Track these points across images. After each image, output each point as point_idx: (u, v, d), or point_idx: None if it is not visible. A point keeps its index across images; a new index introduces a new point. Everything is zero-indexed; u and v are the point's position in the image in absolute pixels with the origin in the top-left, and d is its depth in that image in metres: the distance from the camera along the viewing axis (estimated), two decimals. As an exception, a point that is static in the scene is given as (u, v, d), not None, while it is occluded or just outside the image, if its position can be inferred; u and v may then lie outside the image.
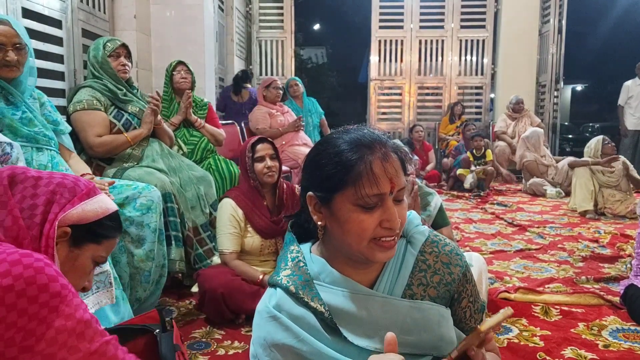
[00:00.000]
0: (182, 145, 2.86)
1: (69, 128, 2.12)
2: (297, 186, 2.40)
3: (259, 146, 2.15)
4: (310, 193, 0.90)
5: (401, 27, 7.17)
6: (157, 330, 1.18)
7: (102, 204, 1.01)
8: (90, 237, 0.99)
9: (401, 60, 7.23)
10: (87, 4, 3.25)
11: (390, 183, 0.84)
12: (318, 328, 0.86)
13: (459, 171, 5.80)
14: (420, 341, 0.89)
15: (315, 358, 0.84)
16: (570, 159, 5.07)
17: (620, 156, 4.42)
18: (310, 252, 0.96)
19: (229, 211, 2.14)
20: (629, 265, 2.56)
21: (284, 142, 4.22)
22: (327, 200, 0.87)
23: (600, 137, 4.53)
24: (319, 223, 0.90)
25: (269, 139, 2.22)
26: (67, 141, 2.07)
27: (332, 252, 0.92)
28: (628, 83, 6.31)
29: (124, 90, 2.44)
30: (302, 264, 0.92)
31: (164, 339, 1.16)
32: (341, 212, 0.85)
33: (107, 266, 1.43)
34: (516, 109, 6.41)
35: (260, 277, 2.07)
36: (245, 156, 2.14)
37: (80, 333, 0.79)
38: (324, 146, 0.90)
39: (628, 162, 4.44)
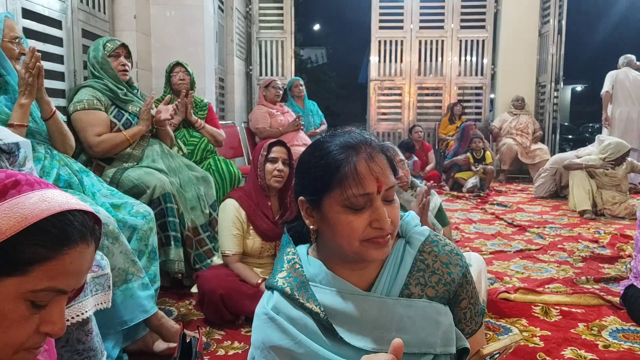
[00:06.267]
0: (182, 145, 2.85)
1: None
2: None
3: (276, 148, 2.15)
4: (301, 197, 0.91)
5: (401, 28, 7.17)
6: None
7: (29, 207, 0.59)
8: (4, 265, 0.58)
9: (401, 61, 7.23)
10: (87, 4, 3.25)
11: (377, 182, 0.83)
12: (314, 330, 0.86)
13: (458, 175, 5.81)
14: (418, 340, 0.88)
15: None
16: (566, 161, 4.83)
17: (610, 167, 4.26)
18: (308, 254, 0.96)
19: (232, 212, 2.13)
20: (628, 266, 2.56)
21: (283, 143, 4.24)
22: (317, 204, 0.87)
23: (628, 148, 4.29)
24: (312, 227, 0.90)
25: (287, 145, 2.21)
26: None
27: (328, 254, 0.92)
28: (614, 73, 5.96)
29: (125, 90, 2.43)
30: (297, 266, 0.92)
31: None
32: (330, 215, 0.85)
33: (108, 269, 1.41)
34: (517, 106, 6.61)
35: (259, 281, 2.07)
36: (259, 153, 2.15)
37: None
38: (312, 150, 0.91)
39: (636, 162, 4.40)
